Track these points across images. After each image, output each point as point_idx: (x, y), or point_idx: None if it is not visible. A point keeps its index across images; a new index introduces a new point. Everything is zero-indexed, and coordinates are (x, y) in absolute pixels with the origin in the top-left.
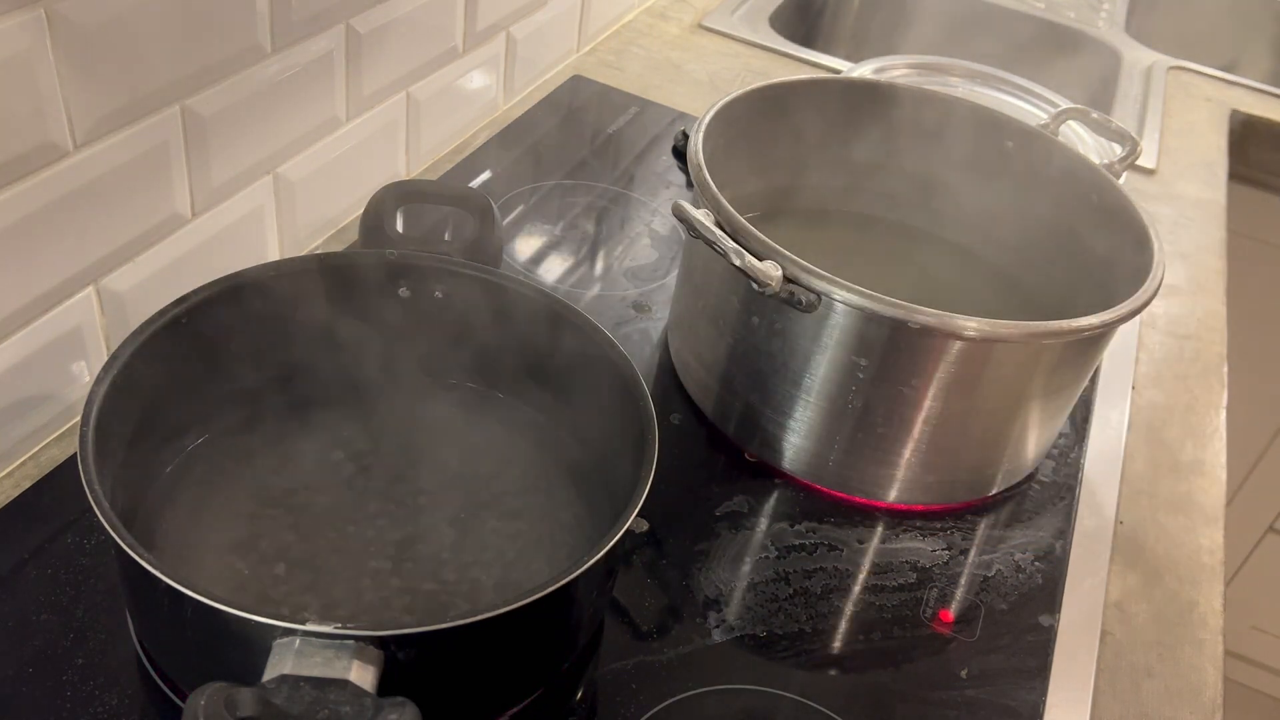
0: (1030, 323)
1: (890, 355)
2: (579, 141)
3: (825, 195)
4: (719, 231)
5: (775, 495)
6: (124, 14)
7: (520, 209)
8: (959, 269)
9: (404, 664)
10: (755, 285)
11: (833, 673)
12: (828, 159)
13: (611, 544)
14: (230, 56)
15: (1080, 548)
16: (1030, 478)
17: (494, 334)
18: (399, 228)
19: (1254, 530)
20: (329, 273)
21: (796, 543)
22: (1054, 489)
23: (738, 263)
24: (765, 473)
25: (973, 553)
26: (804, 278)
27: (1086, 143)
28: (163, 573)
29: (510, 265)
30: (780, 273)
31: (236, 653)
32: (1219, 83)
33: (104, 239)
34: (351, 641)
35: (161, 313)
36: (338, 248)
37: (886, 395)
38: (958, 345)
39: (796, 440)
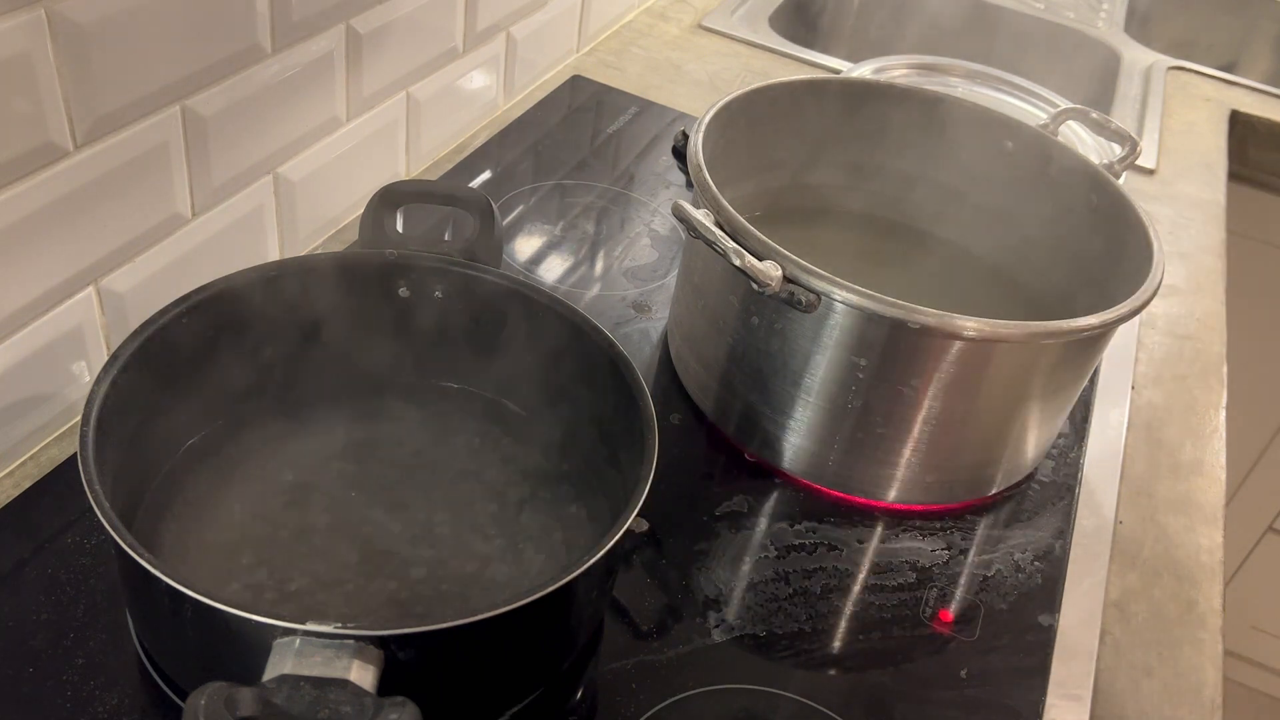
0: (1030, 323)
1: (890, 355)
2: (579, 141)
3: (825, 195)
4: (719, 231)
5: (775, 495)
6: (124, 14)
7: (520, 209)
8: (959, 269)
9: (404, 664)
10: (755, 285)
11: (832, 673)
12: (827, 159)
13: (611, 544)
14: (230, 56)
15: (1080, 547)
16: (1030, 478)
17: (494, 334)
18: (399, 228)
19: (1254, 530)
20: (329, 273)
21: (796, 543)
22: (1053, 489)
23: (738, 263)
24: (765, 473)
25: (972, 552)
26: (804, 278)
27: (1086, 143)
28: (163, 573)
29: (510, 265)
30: (780, 273)
31: (236, 652)
32: (1218, 83)
33: (104, 239)
34: (351, 641)
35: (161, 313)
36: (338, 248)
37: (886, 395)
38: (957, 345)
39: (796, 440)
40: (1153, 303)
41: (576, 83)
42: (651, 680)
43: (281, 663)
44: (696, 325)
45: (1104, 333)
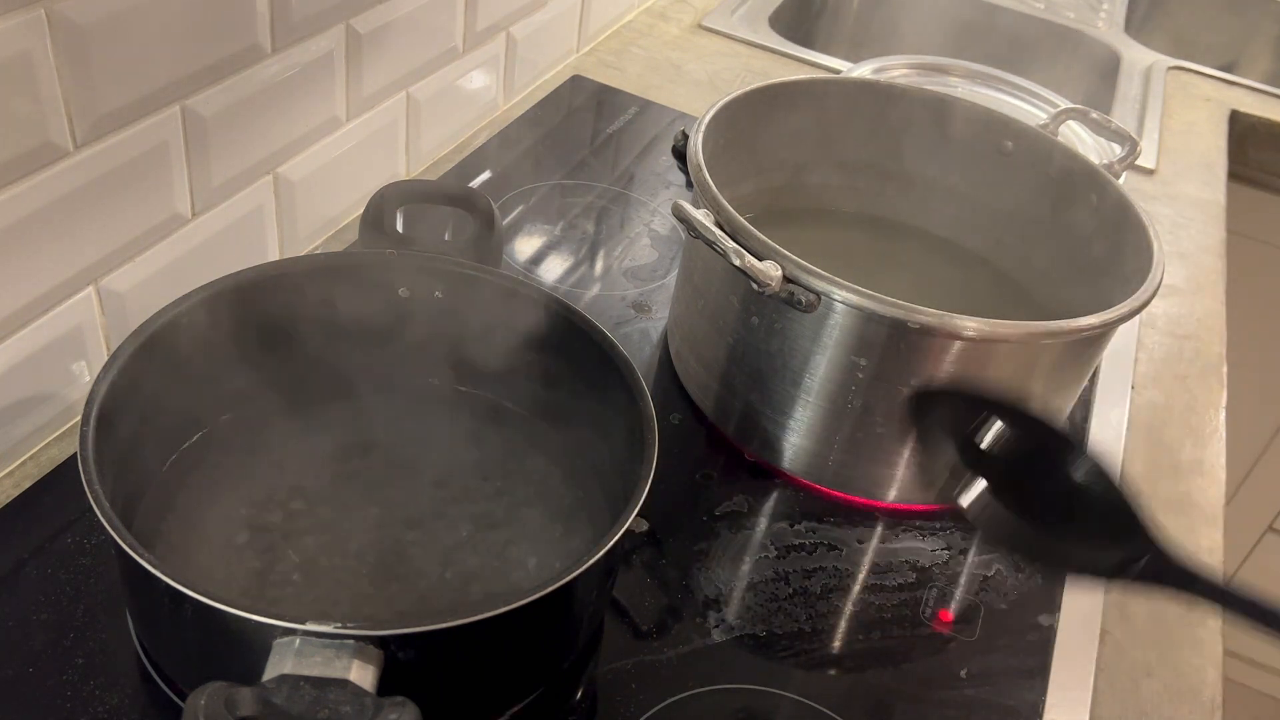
0: (1030, 323)
1: (890, 355)
2: (579, 141)
3: (825, 195)
4: (719, 231)
5: (775, 495)
6: (124, 14)
7: (520, 209)
8: (958, 269)
9: (404, 664)
10: (755, 285)
11: (832, 672)
12: (827, 159)
13: (611, 544)
14: (230, 56)
15: None
16: None
17: (494, 334)
18: (399, 228)
19: (1254, 530)
20: (329, 273)
21: (796, 542)
22: None
23: (738, 263)
24: (765, 473)
25: (972, 552)
26: (804, 278)
27: (1086, 143)
28: (163, 573)
29: (510, 265)
30: (780, 273)
31: (236, 652)
32: (1218, 83)
33: (104, 239)
34: (351, 641)
35: (161, 313)
36: (338, 248)
37: (886, 395)
38: (957, 345)
39: (796, 440)
40: (1153, 303)
41: (576, 83)
42: (651, 680)
43: (281, 663)
44: (696, 325)
45: (1104, 333)
